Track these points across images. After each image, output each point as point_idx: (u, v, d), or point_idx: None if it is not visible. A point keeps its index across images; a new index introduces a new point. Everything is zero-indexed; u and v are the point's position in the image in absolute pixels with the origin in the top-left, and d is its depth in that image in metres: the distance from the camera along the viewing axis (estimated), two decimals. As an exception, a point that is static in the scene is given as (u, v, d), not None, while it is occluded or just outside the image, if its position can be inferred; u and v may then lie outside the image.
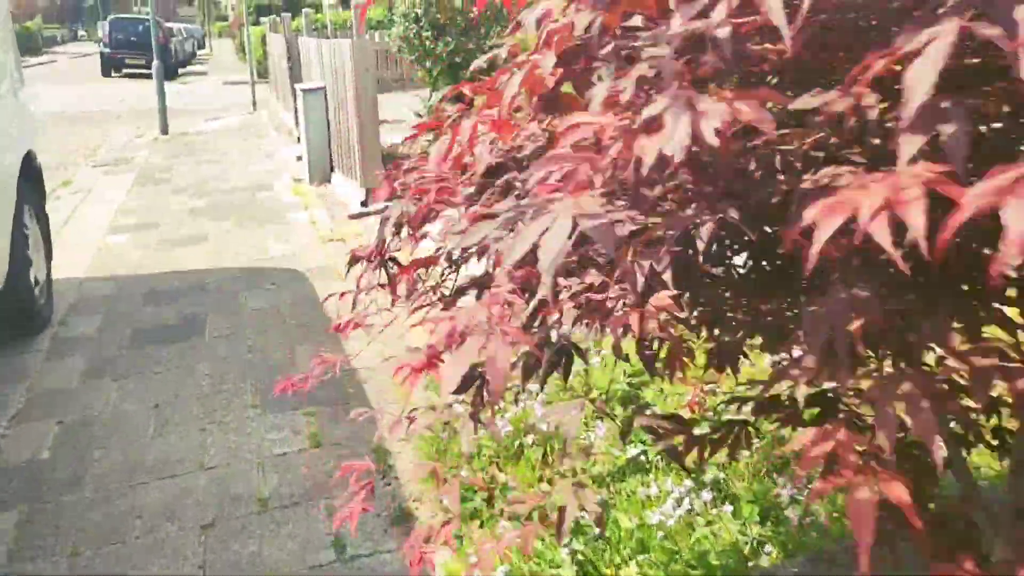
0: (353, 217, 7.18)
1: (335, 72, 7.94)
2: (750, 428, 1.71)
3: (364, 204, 7.34)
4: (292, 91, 11.49)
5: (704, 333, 1.50)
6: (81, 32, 70.77)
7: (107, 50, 27.19)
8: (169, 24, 35.23)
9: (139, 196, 8.64)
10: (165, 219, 7.58)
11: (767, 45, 1.23)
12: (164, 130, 13.00)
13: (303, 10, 10.26)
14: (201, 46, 50.23)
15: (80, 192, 9.07)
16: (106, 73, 27.35)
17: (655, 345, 1.43)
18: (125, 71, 27.62)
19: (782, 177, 1.19)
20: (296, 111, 11.32)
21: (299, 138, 11.09)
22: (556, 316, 1.34)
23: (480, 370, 1.41)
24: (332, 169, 8.74)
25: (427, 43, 9.44)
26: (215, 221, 7.41)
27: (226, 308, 5.13)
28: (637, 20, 1.39)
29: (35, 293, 4.87)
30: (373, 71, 7.18)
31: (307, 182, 8.80)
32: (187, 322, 4.93)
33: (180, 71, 30.79)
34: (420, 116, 10.07)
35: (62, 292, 5.55)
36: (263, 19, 28.45)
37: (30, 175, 5.18)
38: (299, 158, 10.03)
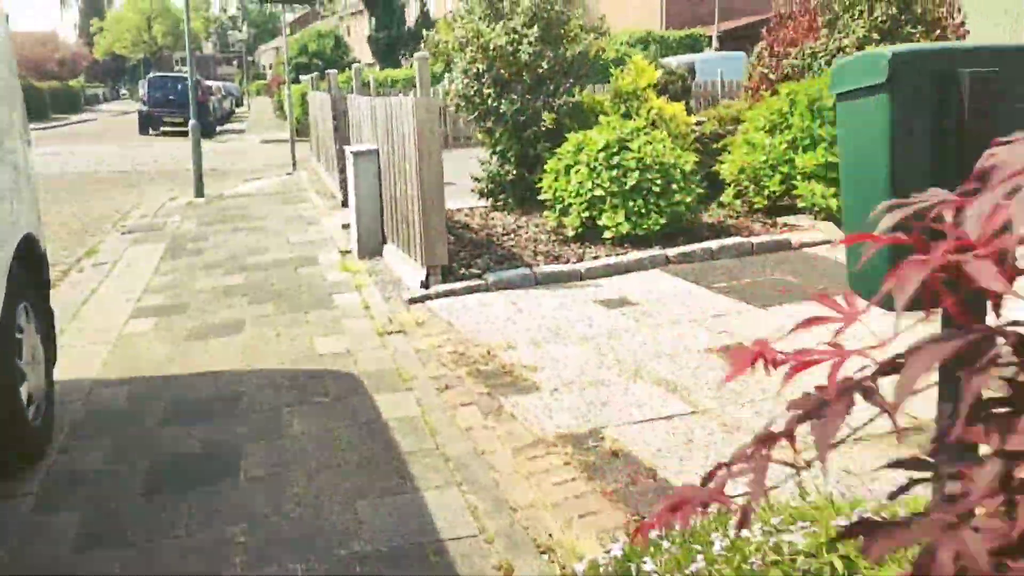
0: (414, 302, 6.11)
1: (390, 133, 6.97)
2: None
3: (425, 285, 6.28)
4: (338, 152, 10.59)
5: None
6: (123, 91, 71.89)
7: (145, 108, 26.88)
8: (208, 82, 35.12)
9: (169, 270, 7.66)
10: (196, 300, 6.57)
11: None
12: (199, 193, 12.14)
13: (352, 65, 9.37)
14: (239, 103, 50.43)
15: (105, 264, 8.13)
16: (144, 131, 26.99)
17: None
18: (163, 129, 27.25)
19: None
20: (342, 174, 10.42)
21: (344, 201, 10.14)
22: None
23: None
24: (384, 240, 7.73)
25: (490, 101, 8.47)
26: (253, 304, 6.38)
27: (265, 433, 4.03)
28: None
29: (28, 415, 3.81)
30: (439, 133, 6.18)
31: (356, 255, 7.78)
32: (216, 454, 3.83)
33: (218, 128, 30.44)
34: (478, 180, 9.08)
35: (68, 400, 4.50)
36: (303, 77, 28.04)
37: (30, 263, 4.17)
38: (345, 226, 9.05)
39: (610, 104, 8.75)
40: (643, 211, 7.06)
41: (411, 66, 29.58)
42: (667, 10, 28.95)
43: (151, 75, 28.77)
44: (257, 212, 10.70)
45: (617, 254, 6.94)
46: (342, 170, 10.62)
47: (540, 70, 8.24)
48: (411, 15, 36.33)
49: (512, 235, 7.84)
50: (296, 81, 29.80)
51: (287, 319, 5.95)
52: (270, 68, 78.18)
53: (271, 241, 8.78)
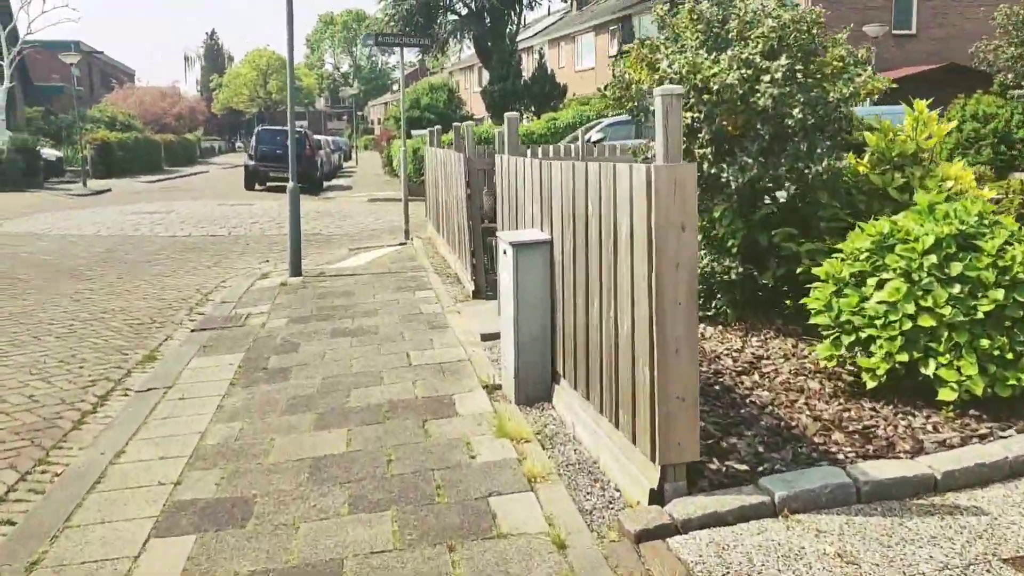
0: (644, 537, 3.28)
1: (582, 218, 4.25)
2: None
3: (659, 497, 3.45)
4: (469, 228, 7.98)
5: None
6: (239, 143, 72.83)
7: (252, 163, 25.28)
8: (317, 136, 33.75)
9: (237, 411, 5.08)
10: (267, 491, 3.91)
11: None
12: (296, 270, 9.72)
13: (505, 114, 6.79)
14: (347, 158, 49.47)
15: (153, 391, 5.63)
16: (249, 186, 25.38)
17: None
18: (269, 184, 25.62)
19: None
20: (475, 257, 7.83)
21: (475, 291, 7.49)
22: None
23: None
24: (554, 377, 4.97)
25: (705, 165, 5.68)
26: (359, 512, 3.66)
27: None
28: None
29: None
30: (695, 224, 3.38)
31: (510, 396, 5.04)
32: None
33: (325, 184, 28.77)
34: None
35: None
36: (415, 132, 26.07)
37: None
38: (486, 337, 6.35)
39: (877, 175, 5.81)
40: (1009, 357, 4.08)
41: (530, 120, 27.31)
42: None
43: (259, 128, 27.29)
44: (365, 302, 8.14)
45: (973, 432, 3.97)
46: (474, 251, 7.99)
47: (788, 121, 5.40)
48: (527, 67, 34.30)
49: (753, 373, 4.96)
50: (408, 136, 27.91)
51: (419, 558, 3.20)
52: (378, 122, 78.21)
53: (384, 359, 6.13)
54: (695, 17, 5.81)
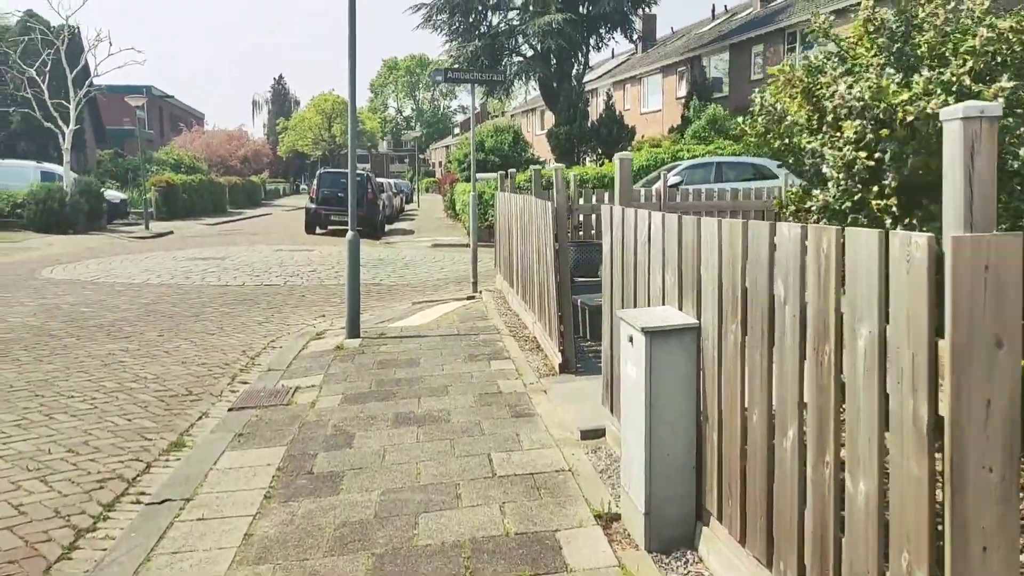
0: None
1: (752, 301, 2.89)
2: None
3: None
4: (554, 289, 6.64)
5: None
6: (303, 186, 73.32)
7: (313, 206, 24.49)
8: (379, 179, 33.07)
9: (266, 550, 3.77)
10: None
11: None
12: (353, 330, 8.50)
13: (616, 155, 5.48)
14: (409, 200, 48.94)
15: (171, 501, 4.38)
16: (310, 230, 24.58)
17: None
18: (331, 227, 24.81)
19: None
20: (562, 323, 6.52)
21: (563, 364, 6.12)
22: None
23: None
24: (700, 514, 3.56)
25: (887, 220, 4.26)
26: None
27: None
28: None
29: None
30: (1019, 338, 1.99)
31: (639, 540, 3.63)
32: None
33: (387, 227, 27.90)
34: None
35: None
36: (480, 175, 25.07)
37: None
38: (588, 435, 4.98)
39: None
40: None
41: (597, 163, 26.00)
42: None
43: (321, 171, 26.55)
44: (432, 374, 6.84)
45: None
46: (562, 316, 6.64)
47: (1011, 162, 3.96)
48: (593, 110, 33.23)
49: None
50: (470, 180, 26.86)
51: None
52: (439, 165, 78.16)
53: (460, 463, 4.77)
54: (874, 28, 4.42)
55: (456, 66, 32.09)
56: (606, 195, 14.69)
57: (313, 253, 17.96)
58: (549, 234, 6.73)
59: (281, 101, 78.74)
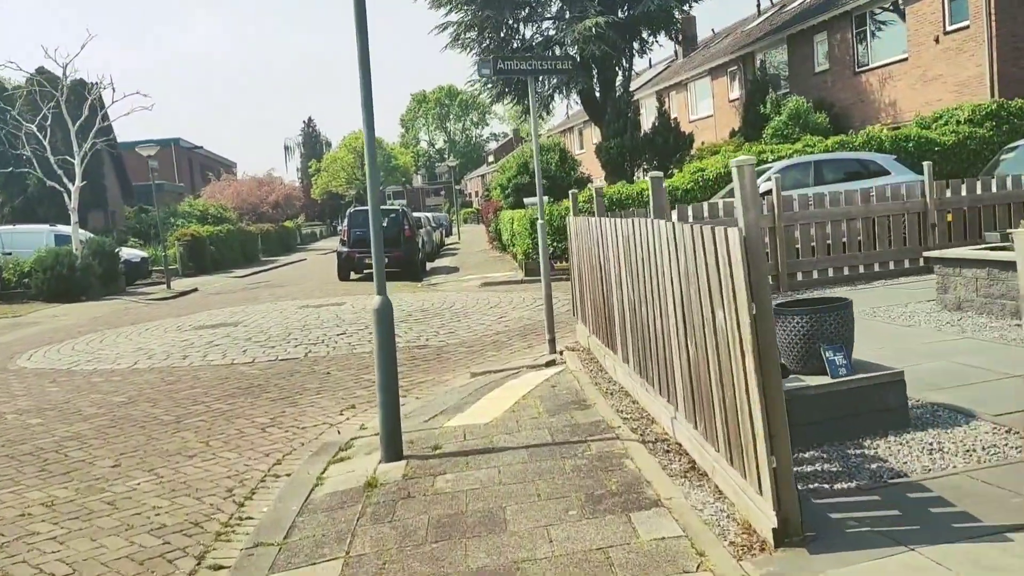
0: None
1: None
2: None
3: None
4: (754, 389, 3.45)
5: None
6: (340, 227, 71.31)
7: (344, 249, 21.58)
8: (416, 213, 30.32)
9: None
10: None
11: None
12: (392, 449, 5.44)
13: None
14: (448, 233, 46.21)
15: None
16: (343, 276, 21.71)
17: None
18: (367, 271, 21.99)
19: None
20: (782, 464, 3.29)
21: (769, 518, 2.96)
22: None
23: None
24: None
25: None
26: None
27: None
28: None
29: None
30: None
31: None
32: None
33: (428, 264, 25.03)
34: None
35: None
36: (527, 200, 22.01)
37: None
38: None
39: None
40: None
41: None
42: (1000, 74, 20.55)
43: (352, 209, 23.66)
44: (532, 557, 3.75)
45: None
46: (772, 435, 3.47)
47: None
48: (646, 119, 30.14)
49: None
50: (518, 205, 23.92)
51: None
52: (476, 195, 75.55)
53: None
54: None
55: (489, 85, 29.32)
56: (676, 211, 11.61)
57: (344, 307, 14.97)
58: (729, 287, 3.62)
59: (312, 143, 77.01)
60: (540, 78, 29.22)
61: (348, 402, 7.71)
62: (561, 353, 8.49)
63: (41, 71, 29.90)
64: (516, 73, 8.68)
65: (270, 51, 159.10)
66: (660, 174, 6.62)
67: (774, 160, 17.04)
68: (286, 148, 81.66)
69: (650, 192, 6.64)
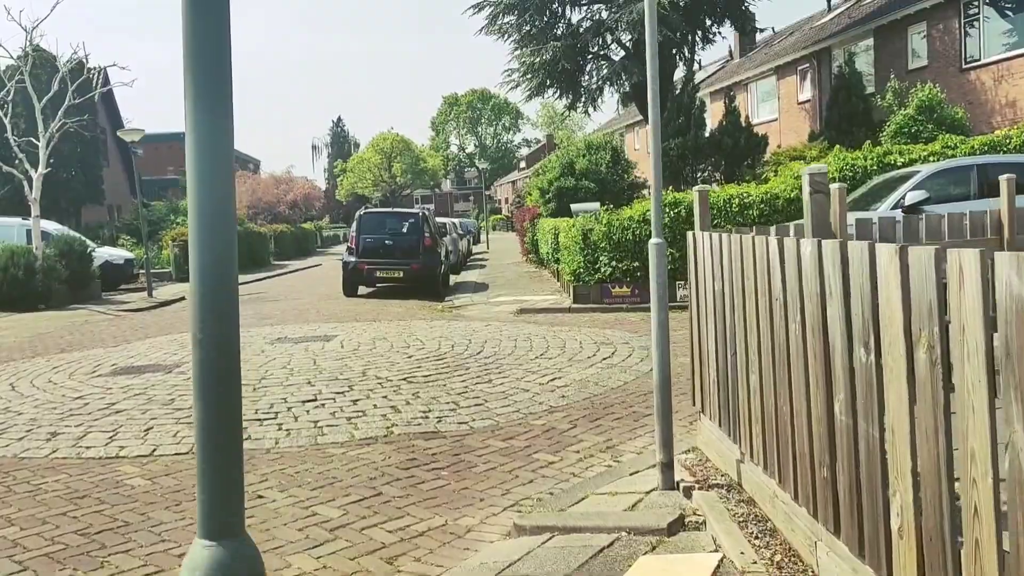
0: None
1: None
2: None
3: None
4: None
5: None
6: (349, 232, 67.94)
7: (352, 259, 17.45)
8: (441, 219, 26.43)
9: None
10: None
11: None
12: None
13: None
14: (476, 241, 42.34)
15: None
16: (350, 291, 17.70)
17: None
18: (378, 285, 18.07)
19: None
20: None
21: None
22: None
23: None
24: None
25: None
26: None
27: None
28: None
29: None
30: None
31: None
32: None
33: (452, 278, 21.06)
34: None
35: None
36: (576, 206, 17.98)
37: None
38: None
39: None
40: None
41: (721, 183, 18.64)
42: None
43: (362, 212, 19.51)
44: None
45: None
46: None
47: None
48: (712, 117, 26.00)
49: None
50: (561, 212, 19.87)
51: None
52: (506, 202, 71.63)
53: None
54: None
55: (528, 76, 25.43)
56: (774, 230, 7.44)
57: (332, 344, 10.72)
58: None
59: (340, 143, 73.67)
60: (589, 67, 25.25)
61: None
62: (688, 493, 4.40)
63: (36, 48, 26.32)
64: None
65: (301, 50, 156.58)
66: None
67: (902, 164, 12.86)
68: (313, 147, 78.39)
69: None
